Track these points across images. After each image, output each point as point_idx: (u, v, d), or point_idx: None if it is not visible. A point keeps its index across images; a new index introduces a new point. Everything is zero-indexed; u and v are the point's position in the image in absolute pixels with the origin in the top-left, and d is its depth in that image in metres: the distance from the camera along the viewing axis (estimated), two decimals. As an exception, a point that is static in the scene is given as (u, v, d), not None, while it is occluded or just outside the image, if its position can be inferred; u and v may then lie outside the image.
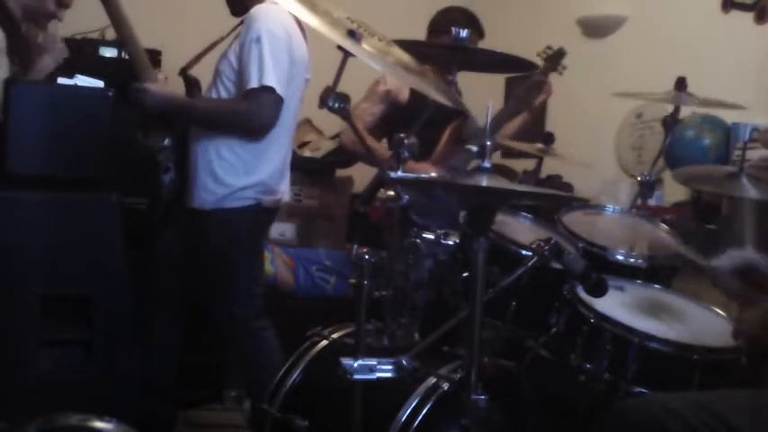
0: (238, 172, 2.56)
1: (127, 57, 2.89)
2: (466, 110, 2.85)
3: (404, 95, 3.30)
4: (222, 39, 2.71)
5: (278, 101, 2.51)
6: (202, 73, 2.75)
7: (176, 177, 2.65)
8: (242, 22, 2.59)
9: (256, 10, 2.52)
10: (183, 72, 2.74)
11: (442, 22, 3.32)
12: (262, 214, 2.66)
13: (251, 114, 2.51)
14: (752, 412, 1.45)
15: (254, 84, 2.47)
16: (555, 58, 3.24)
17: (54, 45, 2.64)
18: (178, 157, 2.65)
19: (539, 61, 3.23)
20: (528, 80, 3.20)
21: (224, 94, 2.58)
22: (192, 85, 2.73)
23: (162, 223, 2.83)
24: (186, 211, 2.61)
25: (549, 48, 3.26)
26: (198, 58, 2.76)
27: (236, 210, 2.56)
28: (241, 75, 2.52)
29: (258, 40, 2.47)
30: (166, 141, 2.63)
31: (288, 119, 2.63)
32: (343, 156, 3.60)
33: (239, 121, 2.54)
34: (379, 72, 3.24)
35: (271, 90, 2.47)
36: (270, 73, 2.46)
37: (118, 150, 2.53)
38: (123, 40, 2.66)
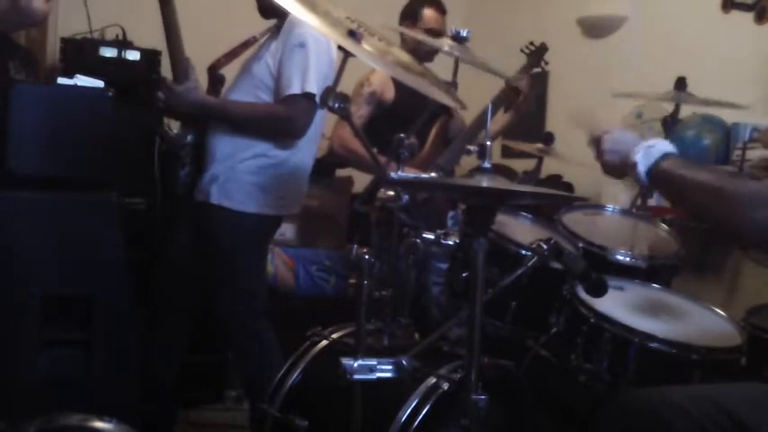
0: (258, 178, 2.57)
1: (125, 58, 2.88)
2: (453, 108, 2.85)
3: (389, 95, 3.30)
4: (255, 39, 2.69)
5: (315, 108, 2.51)
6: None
7: (191, 172, 2.66)
8: (272, 25, 2.59)
9: None
10: (212, 69, 2.74)
11: (409, 8, 3.39)
12: (274, 219, 2.68)
13: (291, 119, 2.53)
14: (756, 404, 1.44)
15: (295, 89, 2.47)
16: (538, 54, 3.25)
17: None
18: (195, 153, 2.67)
19: (523, 57, 3.25)
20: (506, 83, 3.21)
21: (251, 98, 2.58)
22: (217, 82, 2.74)
23: (174, 222, 2.84)
24: (196, 205, 2.62)
25: (531, 43, 3.27)
26: (229, 57, 2.75)
27: (250, 213, 2.57)
28: (279, 78, 2.52)
29: (303, 45, 2.48)
30: (189, 138, 2.65)
31: (315, 128, 2.64)
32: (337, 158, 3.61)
33: (277, 125, 2.55)
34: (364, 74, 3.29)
35: (311, 97, 2.48)
36: (312, 80, 2.47)
37: (118, 150, 2.53)
38: (169, 41, 2.59)
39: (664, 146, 1.60)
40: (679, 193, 1.60)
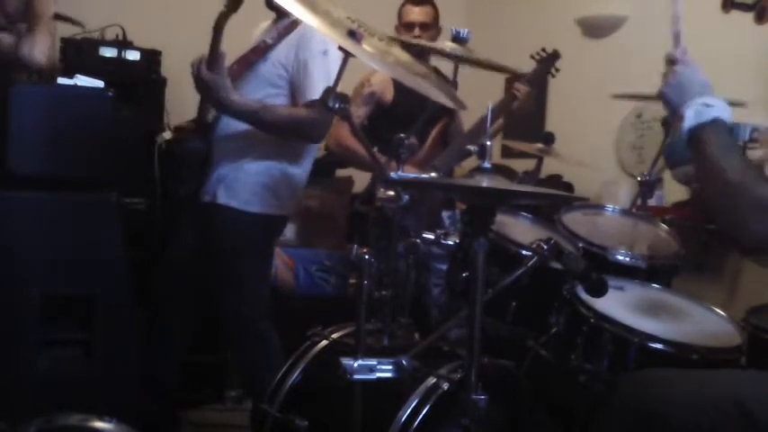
0: (264, 178, 2.57)
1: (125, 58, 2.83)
2: (456, 109, 2.84)
3: (388, 96, 3.31)
4: (265, 43, 2.65)
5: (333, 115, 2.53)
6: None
7: (197, 174, 2.66)
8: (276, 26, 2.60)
9: None
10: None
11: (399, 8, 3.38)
12: (279, 219, 2.68)
13: (322, 124, 2.54)
14: (758, 388, 1.44)
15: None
16: (549, 61, 3.23)
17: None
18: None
19: (533, 63, 3.23)
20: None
21: (261, 97, 2.56)
22: None
23: (175, 222, 2.84)
24: (202, 206, 2.62)
25: (543, 50, 3.25)
26: (241, 64, 2.68)
27: (256, 213, 2.57)
28: (299, 83, 2.52)
29: (326, 53, 2.48)
30: (204, 147, 2.64)
31: None
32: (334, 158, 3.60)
33: (310, 129, 2.55)
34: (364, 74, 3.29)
35: None
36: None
37: (118, 150, 2.53)
38: (213, 40, 2.52)
39: (718, 110, 1.53)
40: (703, 168, 1.53)
